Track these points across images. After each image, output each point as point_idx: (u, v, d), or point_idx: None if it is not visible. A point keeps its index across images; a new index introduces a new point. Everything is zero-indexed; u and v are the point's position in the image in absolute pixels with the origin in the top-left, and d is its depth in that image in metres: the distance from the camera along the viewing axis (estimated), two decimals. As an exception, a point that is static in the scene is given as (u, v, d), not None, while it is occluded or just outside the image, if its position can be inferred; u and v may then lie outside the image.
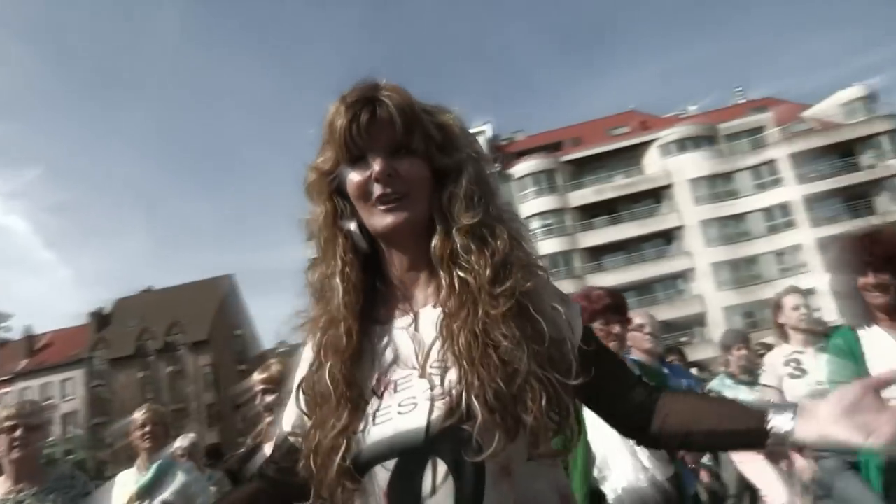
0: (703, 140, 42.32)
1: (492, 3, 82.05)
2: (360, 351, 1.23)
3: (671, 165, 41.91)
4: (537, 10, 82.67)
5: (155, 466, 3.80)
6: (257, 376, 3.34)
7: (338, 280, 1.24)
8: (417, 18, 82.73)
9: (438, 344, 1.19)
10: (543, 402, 1.11)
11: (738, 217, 40.94)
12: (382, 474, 1.15)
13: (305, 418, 1.24)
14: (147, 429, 3.89)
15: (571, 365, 1.17)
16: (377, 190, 1.21)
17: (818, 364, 3.97)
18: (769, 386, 4.28)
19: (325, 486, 1.18)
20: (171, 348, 56.35)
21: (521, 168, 43.94)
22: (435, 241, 1.22)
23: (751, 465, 3.79)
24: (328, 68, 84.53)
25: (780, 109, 43.10)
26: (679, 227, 41.34)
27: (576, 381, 1.16)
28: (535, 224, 43.09)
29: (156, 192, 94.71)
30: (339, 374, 1.20)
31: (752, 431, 1.18)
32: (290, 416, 1.31)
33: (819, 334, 4.24)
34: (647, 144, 43.54)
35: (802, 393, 4.03)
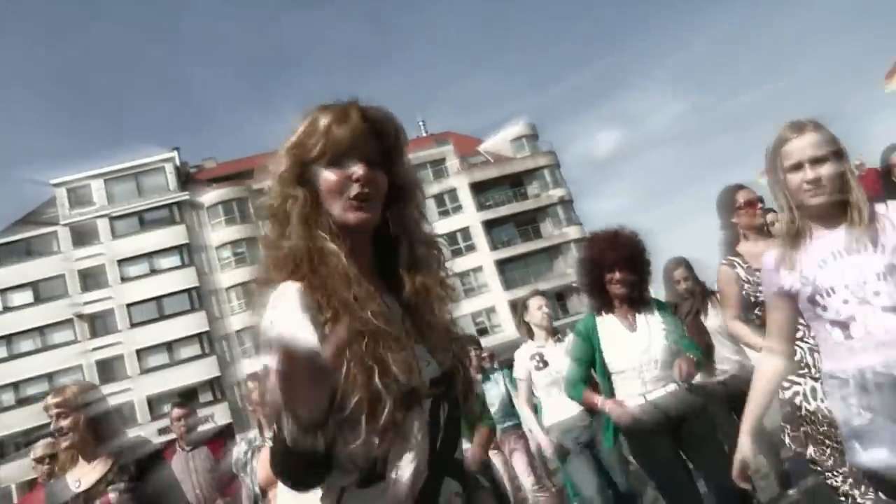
0: (392, 169, 44.03)
1: (174, 34, 79.08)
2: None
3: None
4: (222, 43, 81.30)
5: None
6: (52, 400, 3.04)
7: (332, 245, 1.37)
8: (101, 42, 77.05)
9: (416, 322, 1.46)
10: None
11: (425, 242, 43.15)
12: (419, 411, 1.36)
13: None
14: None
15: None
16: (355, 189, 1.39)
17: (557, 355, 4.83)
18: (521, 379, 5.15)
19: (387, 410, 1.26)
20: None
21: (212, 196, 42.39)
22: (403, 250, 1.47)
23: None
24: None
25: (459, 142, 46.72)
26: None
27: None
28: (226, 253, 41.66)
29: None
30: (383, 313, 1.34)
31: None
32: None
33: (556, 330, 5.09)
34: (339, 173, 44.29)
35: (545, 382, 4.89)
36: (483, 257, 42.83)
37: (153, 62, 79.85)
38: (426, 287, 1.46)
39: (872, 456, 2.05)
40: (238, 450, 4.38)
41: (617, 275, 3.71)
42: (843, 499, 3.18)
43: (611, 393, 3.74)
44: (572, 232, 45.60)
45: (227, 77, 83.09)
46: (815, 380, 3.13)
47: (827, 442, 3.13)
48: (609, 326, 3.78)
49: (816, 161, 2.18)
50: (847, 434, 2.15)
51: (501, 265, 43.67)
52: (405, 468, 1.34)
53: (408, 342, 1.36)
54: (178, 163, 43.77)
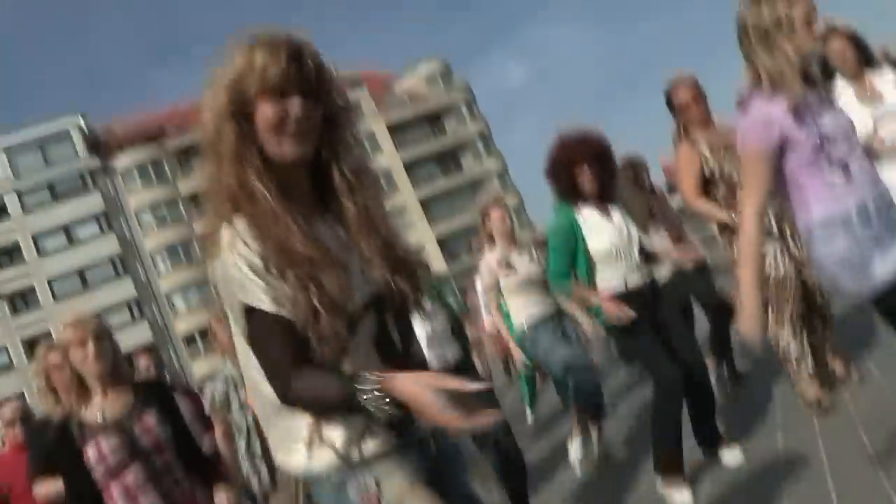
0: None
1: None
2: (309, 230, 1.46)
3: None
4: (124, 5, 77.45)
5: None
6: (80, 328, 2.75)
7: (260, 185, 1.43)
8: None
9: (357, 241, 1.53)
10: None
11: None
12: (366, 326, 1.49)
13: (282, 288, 1.39)
14: None
15: None
16: (292, 124, 1.44)
17: (523, 261, 4.84)
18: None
19: (334, 333, 1.39)
20: None
21: (126, 160, 41.15)
22: (335, 176, 1.53)
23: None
24: None
25: (373, 84, 46.30)
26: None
27: None
28: (146, 216, 40.79)
29: None
30: (312, 239, 1.42)
31: None
32: (264, 296, 1.40)
33: (517, 238, 5.04)
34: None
35: (514, 286, 4.84)
36: (406, 197, 43.11)
37: (48, 20, 75.43)
38: (365, 207, 1.53)
39: (882, 269, 2.24)
40: (214, 387, 4.19)
41: (587, 171, 3.77)
42: (790, 365, 3.60)
43: (593, 286, 3.82)
44: (493, 164, 46.31)
45: (126, 32, 79.30)
46: (781, 241, 3.59)
47: (785, 305, 3.52)
48: (587, 215, 3.83)
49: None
50: (850, 267, 2.29)
51: (425, 204, 44.12)
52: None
53: (343, 266, 1.44)
54: (85, 128, 42.17)
